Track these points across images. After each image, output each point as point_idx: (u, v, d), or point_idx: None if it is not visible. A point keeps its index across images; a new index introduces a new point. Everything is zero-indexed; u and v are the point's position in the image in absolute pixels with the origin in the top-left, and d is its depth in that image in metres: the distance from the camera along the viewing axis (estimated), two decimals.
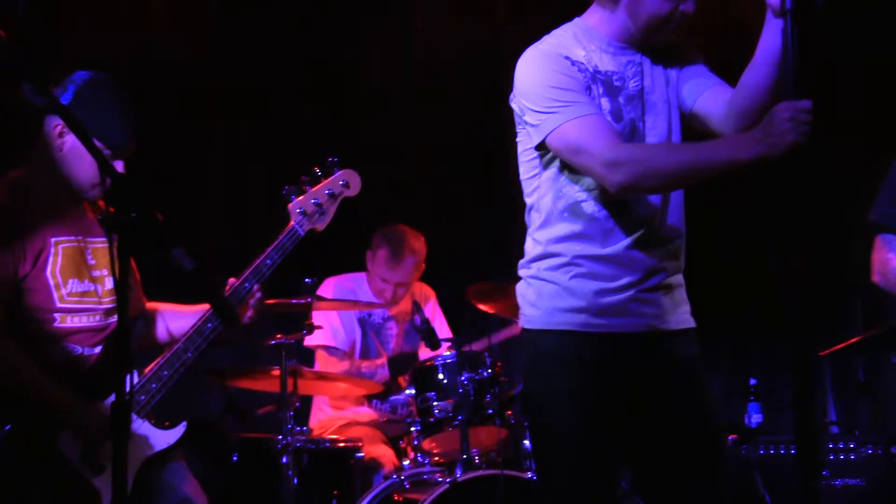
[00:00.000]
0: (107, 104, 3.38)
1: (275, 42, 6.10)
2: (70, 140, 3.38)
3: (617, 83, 3.01)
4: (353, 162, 3.95)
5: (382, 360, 5.21)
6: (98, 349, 3.42)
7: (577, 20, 3.10)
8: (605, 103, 2.98)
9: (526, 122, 3.01)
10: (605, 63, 3.01)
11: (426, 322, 4.74)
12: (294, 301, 4.49)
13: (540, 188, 3.05)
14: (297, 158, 5.76)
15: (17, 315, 3.29)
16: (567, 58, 2.97)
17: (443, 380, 4.63)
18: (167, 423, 3.50)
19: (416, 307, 4.81)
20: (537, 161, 3.04)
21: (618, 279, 2.96)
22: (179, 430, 3.50)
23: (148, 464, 3.45)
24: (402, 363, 5.17)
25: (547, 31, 3.06)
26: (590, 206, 2.97)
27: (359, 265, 5.43)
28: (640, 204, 2.98)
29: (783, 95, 2.78)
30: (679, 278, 3.09)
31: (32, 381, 3.26)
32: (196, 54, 5.93)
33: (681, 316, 3.07)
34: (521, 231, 3.11)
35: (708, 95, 3.06)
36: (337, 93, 6.30)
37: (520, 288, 3.10)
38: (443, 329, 5.43)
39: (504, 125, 3.20)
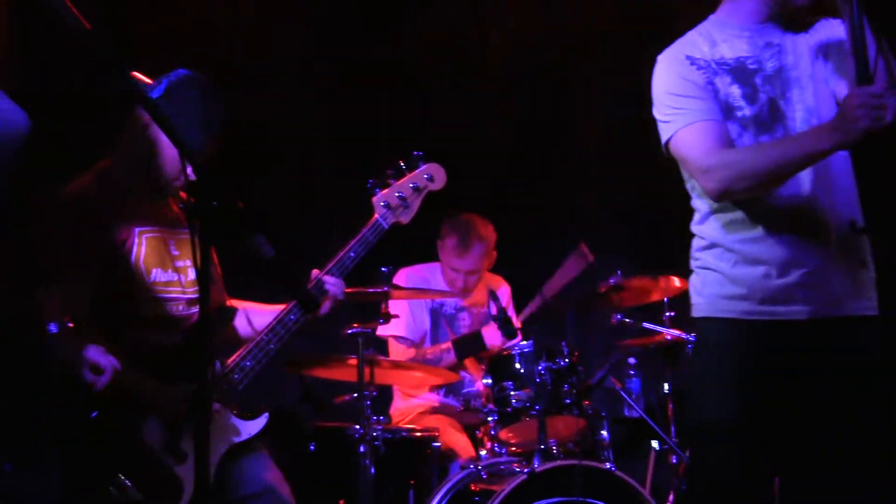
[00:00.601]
0: (195, 102, 3.41)
1: (339, 32, 6.10)
2: (154, 132, 3.41)
3: (752, 66, 3.02)
4: (425, 150, 3.95)
5: (447, 345, 5.19)
6: (181, 338, 3.45)
7: (710, 17, 3.13)
8: (734, 90, 3.00)
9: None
10: (738, 49, 3.03)
11: (502, 311, 4.71)
12: (370, 290, 4.48)
13: (693, 189, 3.11)
14: (371, 149, 5.80)
15: (102, 303, 3.33)
16: (688, 57, 3.02)
17: (520, 369, 4.60)
18: (249, 414, 3.52)
19: (493, 296, 4.78)
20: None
21: (781, 264, 2.95)
22: (262, 420, 3.51)
23: (230, 453, 3.47)
24: (467, 346, 5.14)
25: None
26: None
27: (432, 255, 5.42)
28: (796, 186, 2.95)
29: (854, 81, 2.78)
30: (859, 263, 3.01)
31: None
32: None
33: (859, 303, 2.99)
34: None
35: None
36: (409, 81, 6.29)
37: (690, 278, 3.13)
38: (515, 319, 5.39)
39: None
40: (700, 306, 3.07)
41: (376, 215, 3.81)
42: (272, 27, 5.97)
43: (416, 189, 3.88)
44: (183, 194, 3.58)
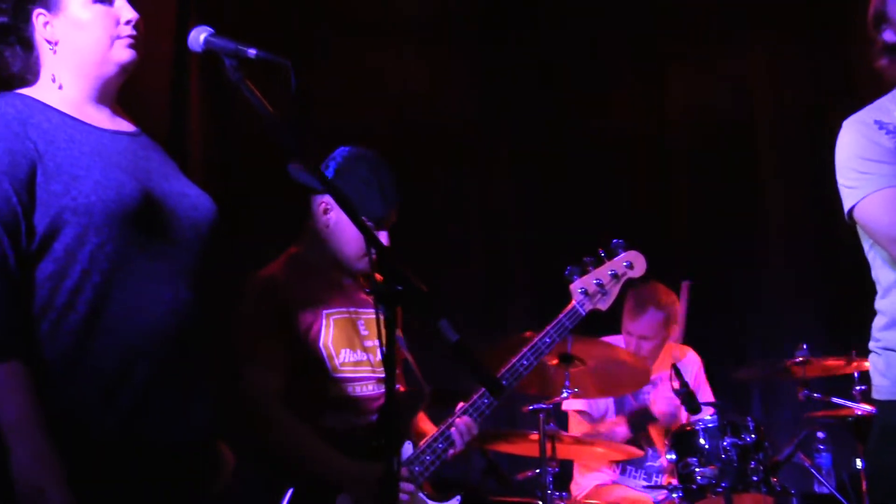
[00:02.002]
0: (367, 177, 3.52)
1: (529, 100, 6.16)
2: (335, 215, 3.54)
3: None
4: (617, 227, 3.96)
5: (620, 419, 5.14)
6: (373, 417, 3.51)
7: None
8: None
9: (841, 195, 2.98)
10: None
11: (685, 385, 4.66)
12: (553, 365, 4.49)
13: (875, 259, 2.99)
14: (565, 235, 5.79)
15: (294, 385, 3.44)
16: (877, 122, 2.92)
17: (704, 445, 4.52)
18: (441, 496, 3.56)
19: (675, 370, 4.73)
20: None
21: None
22: (454, 502, 3.55)
23: None
24: (637, 419, 5.09)
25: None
26: None
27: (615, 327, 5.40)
28: None
29: None
30: None
31: (312, 447, 3.39)
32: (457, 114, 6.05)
33: None
34: None
35: None
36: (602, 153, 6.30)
37: (871, 358, 3.02)
38: (705, 394, 5.31)
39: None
40: (883, 388, 2.92)
41: (574, 302, 3.84)
42: (446, 95, 6.05)
43: (615, 276, 3.89)
44: (370, 276, 3.66)
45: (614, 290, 3.90)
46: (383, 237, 3.52)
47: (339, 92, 5.73)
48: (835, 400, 4.98)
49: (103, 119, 2.65)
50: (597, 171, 6.26)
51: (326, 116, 5.62)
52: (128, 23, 2.65)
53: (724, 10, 6.33)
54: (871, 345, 3.02)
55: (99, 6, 2.63)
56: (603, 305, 3.88)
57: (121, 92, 2.72)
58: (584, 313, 3.81)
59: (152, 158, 2.68)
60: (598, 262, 3.91)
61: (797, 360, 4.83)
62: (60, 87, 2.62)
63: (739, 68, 6.40)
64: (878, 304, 2.99)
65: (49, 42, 2.62)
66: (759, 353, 6.08)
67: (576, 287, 3.84)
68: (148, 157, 2.66)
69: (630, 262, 3.95)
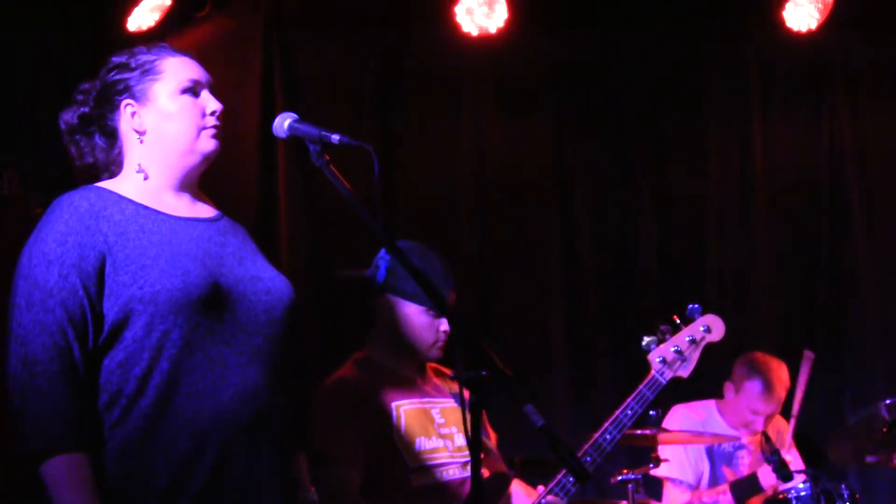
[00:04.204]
0: (420, 268, 3.53)
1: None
2: (399, 310, 3.59)
3: None
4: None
5: (724, 488, 5.07)
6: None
7: None
8: None
9: None
10: None
11: (776, 452, 4.59)
12: (639, 432, 4.46)
13: None
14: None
15: (374, 480, 3.45)
16: None
17: None
18: None
19: (765, 437, 4.67)
20: None
21: None
22: None
23: None
24: (744, 489, 5.00)
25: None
26: None
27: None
28: None
29: None
30: None
31: None
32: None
33: None
34: None
35: None
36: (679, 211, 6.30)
37: None
38: (795, 461, 5.23)
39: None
40: None
41: (653, 371, 3.82)
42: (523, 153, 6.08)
43: (693, 342, 3.87)
44: (436, 366, 3.70)
45: (694, 356, 3.87)
46: (443, 324, 3.55)
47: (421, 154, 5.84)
48: None
49: (181, 206, 2.71)
50: None
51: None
52: (213, 114, 2.73)
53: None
54: None
55: (186, 97, 2.71)
56: (684, 373, 3.85)
57: (207, 174, 2.79)
58: (664, 382, 3.78)
59: (228, 243, 2.72)
60: (675, 330, 3.88)
61: (889, 420, 4.74)
62: (146, 178, 2.68)
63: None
64: None
65: (137, 132, 2.69)
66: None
67: (654, 357, 3.82)
68: (223, 243, 2.71)
69: (708, 326, 3.92)
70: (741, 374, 5.19)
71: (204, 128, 2.71)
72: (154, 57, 2.73)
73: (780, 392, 5.12)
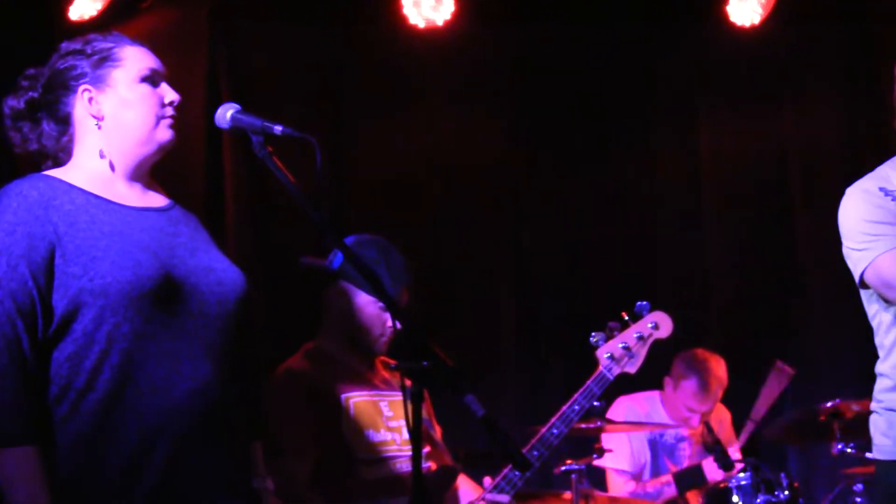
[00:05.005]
0: (375, 259, 3.56)
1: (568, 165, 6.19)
2: (350, 301, 3.61)
3: None
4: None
5: (668, 478, 5.12)
6: (405, 499, 3.50)
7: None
8: None
9: (847, 261, 3.04)
10: None
11: (718, 443, 4.65)
12: (584, 426, 4.49)
13: (879, 325, 3.05)
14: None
15: (323, 470, 3.46)
16: (882, 189, 2.99)
17: (738, 503, 4.51)
18: None
19: (707, 427, 4.72)
20: (872, 297, 3.04)
21: None
22: None
23: None
24: (688, 479, 5.06)
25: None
26: None
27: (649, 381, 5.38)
28: None
29: None
30: None
31: None
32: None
33: None
34: None
35: None
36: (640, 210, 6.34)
37: (872, 419, 3.07)
38: (736, 450, 5.29)
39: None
40: (886, 448, 2.98)
41: (601, 367, 3.85)
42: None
43: (641, 338, 3.91)
44: (385, 359, 3.71)
45: (642, 353, 3.91)
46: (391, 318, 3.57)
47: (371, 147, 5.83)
48: (870, 455, 4.94)
49: (133, 196, 2.68)
50: None
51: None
52: (171, 104, 2.71)
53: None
54: (874, 405, 3.07)
55: (145, 86, 2.69)
56: (631, 369, 3.89)
57: (154, 164, 2.75)
58: (611, 378, 3.82)
59: (180, 233, 2.69)
60: (624, 326, 3.92)
61: (828, 407, 4.81)
62: (112, 165, 2.65)
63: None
64: (880, 367, 3.05)
65: (95, 117, 2.66)
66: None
67: (602, 353, 3.86)
68: (175, 233, 2.68)
69: (656, 323, 3.96)
70: (679, 372, 5.24)
71: (162, 117, 2.69)
72: (112, 44, 2.70)
73: (717, 390, 5.16)
